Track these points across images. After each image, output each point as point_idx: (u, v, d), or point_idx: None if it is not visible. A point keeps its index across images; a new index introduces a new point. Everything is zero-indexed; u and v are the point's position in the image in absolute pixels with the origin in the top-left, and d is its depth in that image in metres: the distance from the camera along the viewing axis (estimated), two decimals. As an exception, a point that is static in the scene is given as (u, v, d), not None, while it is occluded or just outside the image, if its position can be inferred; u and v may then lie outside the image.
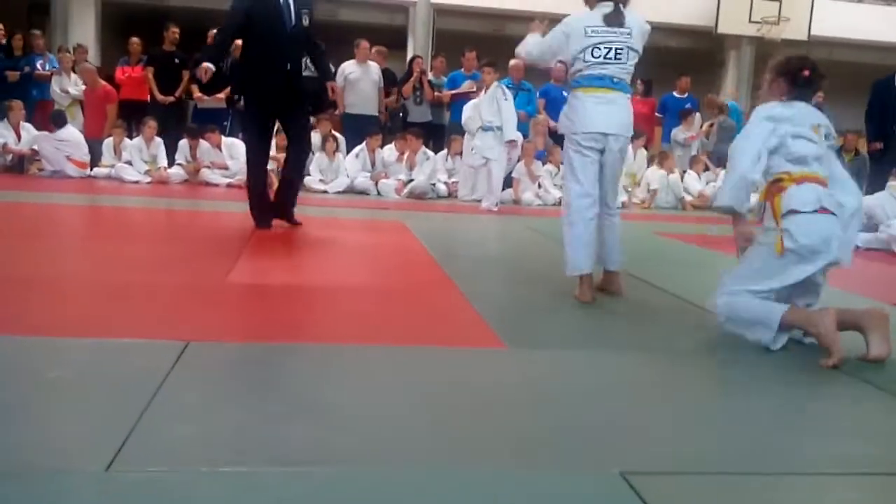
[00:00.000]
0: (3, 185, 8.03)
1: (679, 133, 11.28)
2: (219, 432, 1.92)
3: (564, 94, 11.08)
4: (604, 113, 3.76)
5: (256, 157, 5.88)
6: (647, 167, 10.76)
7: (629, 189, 10.48)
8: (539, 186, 9.79)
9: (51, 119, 9.57)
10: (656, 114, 11.96)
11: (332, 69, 8.42)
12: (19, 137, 9.55)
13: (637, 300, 3.97)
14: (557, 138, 10.80)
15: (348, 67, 10.21)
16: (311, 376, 2.42)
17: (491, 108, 8.51)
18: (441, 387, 2.40)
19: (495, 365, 2.68)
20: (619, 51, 3.72)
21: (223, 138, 9.46)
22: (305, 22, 5.69)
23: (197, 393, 2.20)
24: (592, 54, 3.72)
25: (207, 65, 5.50)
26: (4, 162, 9.55)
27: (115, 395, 2.16)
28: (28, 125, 9.70)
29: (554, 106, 11.01)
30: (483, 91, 8.70)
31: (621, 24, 3.74)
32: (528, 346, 2.95)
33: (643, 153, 10.86)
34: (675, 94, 11.90)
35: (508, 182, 9.53)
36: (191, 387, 2.24)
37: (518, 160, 9.55)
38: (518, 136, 8.94)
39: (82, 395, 2.17)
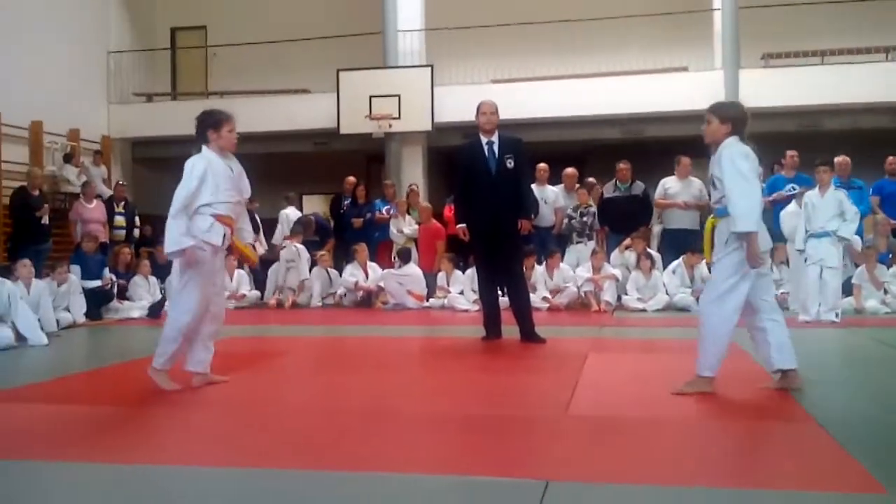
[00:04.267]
0: (356, 320, 9.03)
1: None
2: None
3: (904, 189, 10.16)
4: None
5: (484, 281, 6.82)
6: None
7: None
8: (885, 293, 8.88)
9: (398, 254, 10.71)
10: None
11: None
12: (367, 275, 10.75)
13: None
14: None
15: (668, 182, 10.27)
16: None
17: (829, 213, 7.89)
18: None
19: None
20: None
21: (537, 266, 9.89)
22: (510, 165, 6.46)
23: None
24: None
25: (463, 227, 6.68)
26: (355, 298, 10.77)
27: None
28: (374, 264, 10.92)
29: (891, 202, 10.07)
30: (819, 192, 8.06)
31: None
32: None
33: None
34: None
35: (848, 289, 8.78)
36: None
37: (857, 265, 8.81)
38: (856, 239, 8.26)
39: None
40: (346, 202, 12.12)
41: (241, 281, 11.21)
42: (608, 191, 10.68)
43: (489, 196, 6.46)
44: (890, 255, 9.27)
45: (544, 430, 3.59)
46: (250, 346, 6.92)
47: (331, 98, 14.17)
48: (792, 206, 8.99)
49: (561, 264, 9.95)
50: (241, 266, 11.38)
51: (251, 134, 14.86)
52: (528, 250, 9.10)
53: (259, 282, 11.48)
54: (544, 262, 10.09)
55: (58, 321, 8.03)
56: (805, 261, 8.01)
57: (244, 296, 11.05)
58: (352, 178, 12.24)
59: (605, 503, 2.55)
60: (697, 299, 9.27)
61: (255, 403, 4.30)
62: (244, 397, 4.48)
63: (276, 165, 15.54)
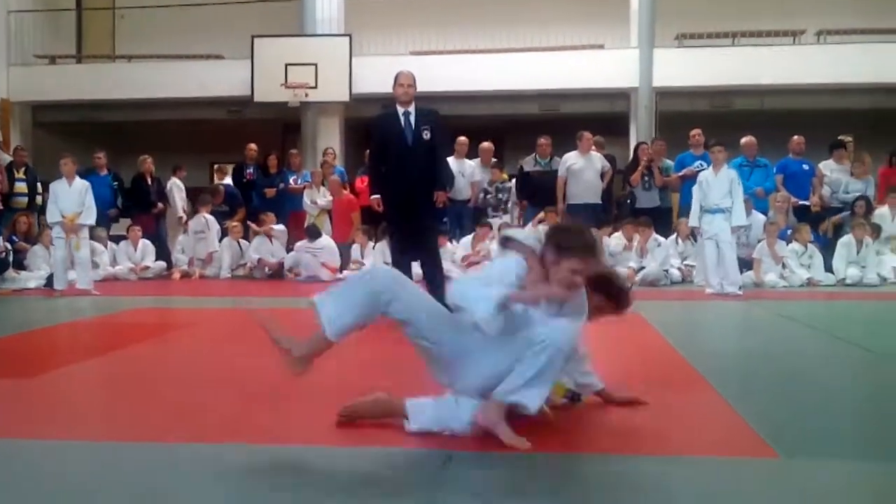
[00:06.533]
0: (266, 292, 8.86)
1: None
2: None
3: (805, 167, 10.55)
4: None
5: (398, 253, 6.68)
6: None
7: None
8: (784, 267, 9.23)
9: (306, 233, 10.55)
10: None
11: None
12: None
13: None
14: (801, 215, 10.24)
15: (571, 158, 10.36)
16: (573, 490, 2.37)
17: (722, 191, 8.13)
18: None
19: (770, 479, 2.46)
20: None
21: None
22: (426, 136, 6.35)
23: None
24: None
25: (377, 198, 6.54)
26: (263, 274, 10.59)
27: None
28: (281, 228, 10.75)
29: (794, 181, 10.45)
30: (713, 170, 8.31)
31: None
32: (806, 454, 2.68)
33: None
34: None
35: (748, 263, 9.10)
36: (462, 500, 2.28)
37: (759, 240, 9.12)
38: (745, 223, 8.56)
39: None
40: (248, 171, 11.80)
41: (146, 252, 10.86)
42: (528, 165, 10.75)
43: (405, 167, 6.35)
44: (789, 231, 9.63)
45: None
46: (153, 318, 6.71)
47: (245, 65, 13.79)
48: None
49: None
50: (146, 236, 11.03)
51: (161, 100, 14.52)
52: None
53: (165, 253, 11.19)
54: (473, 235, 10.11)
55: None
56: (701, 236, 8.30)
57: (148, 267, 10.71)
58: (253, 146, 11.89)
59: (502, 473, 2.54)
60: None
61: (156, 376, 4.15)
62: (144, 370, 4.33)
63: (189, 133, 15.09)
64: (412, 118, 6.41)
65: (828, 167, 10.60)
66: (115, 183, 11.52)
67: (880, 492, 2.38)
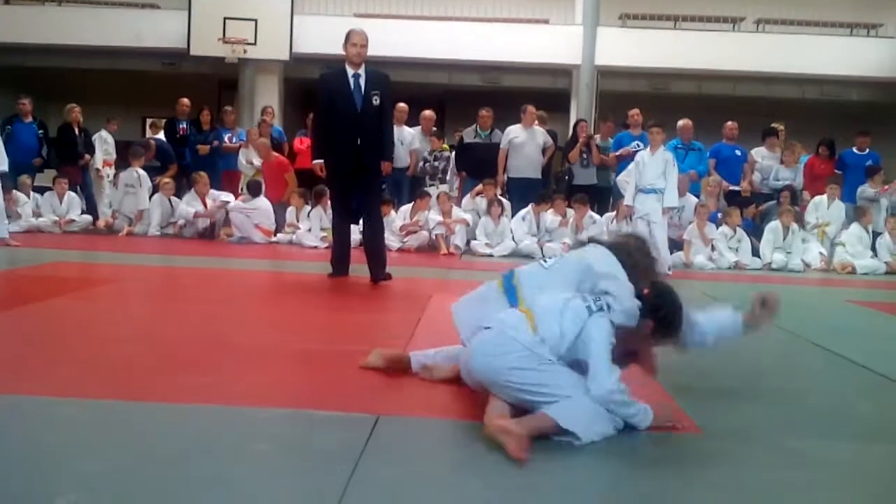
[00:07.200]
0: (197, 252, 8.65)
1: (867, 189, 10.55)
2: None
3: (737, 153, 10.78)
4: None
5: (339, 218, 6.56)
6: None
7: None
8: (713, 249, 9.45)
9: (247, 188, 10.30)
10: (835, 171, 11.25)
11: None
12: (206, 207, 10.28)
13: (838, 379, 3.69)
14: (732, 199, 10.48)
15: (513, 132, 10.35)
16: (496, 456, 2.36)
17: (656, 171, 8.26)
18: (633, 480, 2.29)
19: (692, 455, 2.53)
20: None
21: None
22: (376, 102, 6.19)
23: (395, 469, 2.23)
24: None
25: (320, 162, 6.31)
26: (197, 229, 10.32)
27: (317, 468, 2.24)
28: (214, 192, 10.43)
29: (726, 165, 10.68)
30: (650, 151, 8.44)
31: None
32: (726, 432, 2.75)
33: (839, 204, 10.32)
34: (854, 150, 11.12)
35: (678, 244, 9.29)
36: (388, 463, 2.28)
37: (689, 222, 9.32)
38: (677, 204, 8.73)
39: (287, 467, 2.26)
40: (181, 126, 11.42)
41: (72, 204, 10.49)
42: (468, 136, 10.70)
43: (352, 132, 6.13)
44: (719, 215, 9.85)
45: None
46: (76, 272, 6.49)
47: (181, 16, 13.37)
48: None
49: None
50: (73, 188, 10.66)
51: (92, 48, 13.97)
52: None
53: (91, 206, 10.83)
54: (412, 204, 10.04)
55: None
56: (634, 214, 8.46)
57: (73, 220, 10.35)
58: (185, 101, 11.44)
59: (429, 434, 2.57)
60: (542, 248, 9.61)
61: (76, 330, 4.01)
62: (63, 323, 4.18)
63: (120, 84, 14.60)
64: (362, 81, 6.18)
65: (759, 154, 10.86)
66: (41, 131, 11.05)
67: (793, 466, 2.46)
